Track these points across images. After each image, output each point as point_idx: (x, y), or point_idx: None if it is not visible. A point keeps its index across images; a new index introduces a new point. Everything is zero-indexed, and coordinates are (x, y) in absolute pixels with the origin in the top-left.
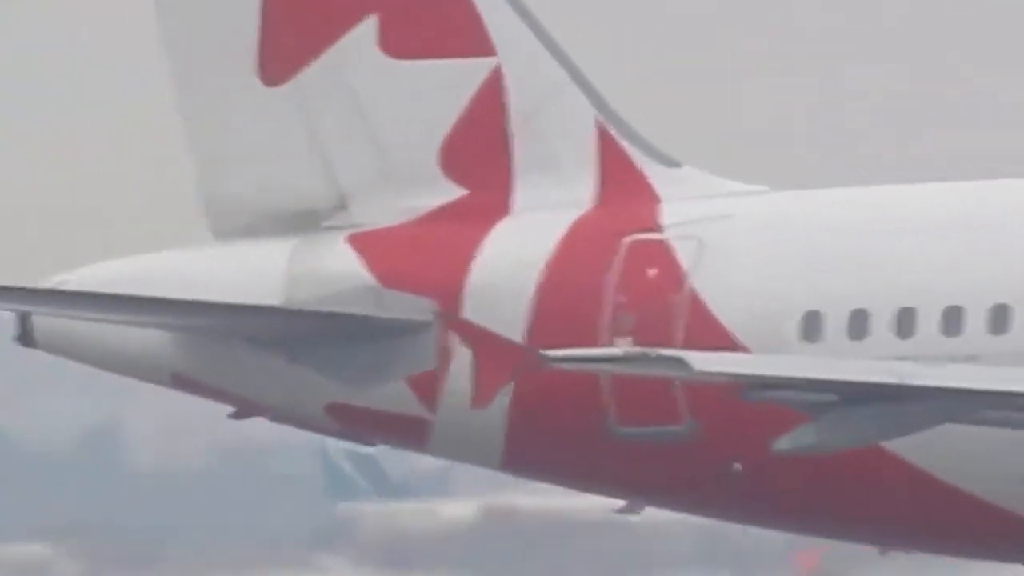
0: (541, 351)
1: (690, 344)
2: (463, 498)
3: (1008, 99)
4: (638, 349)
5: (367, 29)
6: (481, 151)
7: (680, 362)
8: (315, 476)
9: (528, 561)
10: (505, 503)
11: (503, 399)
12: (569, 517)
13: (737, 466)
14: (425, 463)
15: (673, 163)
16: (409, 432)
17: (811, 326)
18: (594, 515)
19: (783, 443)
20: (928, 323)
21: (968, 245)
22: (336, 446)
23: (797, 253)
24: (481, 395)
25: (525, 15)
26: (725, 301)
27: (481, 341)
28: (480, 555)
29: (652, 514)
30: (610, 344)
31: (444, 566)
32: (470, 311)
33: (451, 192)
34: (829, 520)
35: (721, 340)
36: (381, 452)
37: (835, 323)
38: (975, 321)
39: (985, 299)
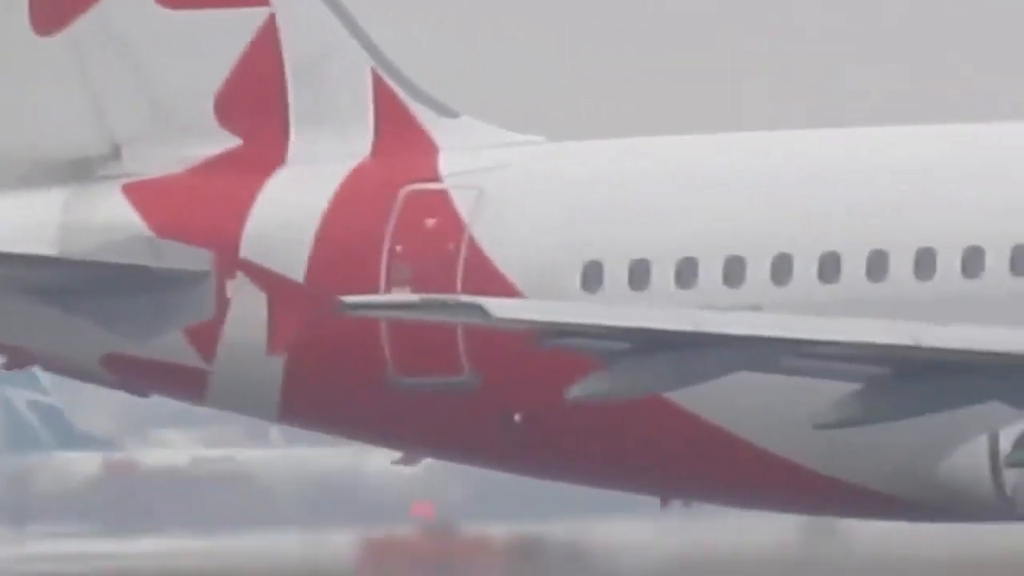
0: (337, 296)
1: (470, 294)
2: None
3: (1008, 99)
4: (435, 296)
5: None
6: (256, 101)
7: (478, 308)
8: None
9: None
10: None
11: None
12: None
13: (517, 416)
14: (111, 415)
15: (451, 113)
16: (186, 383)
17: (592, 276)
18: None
19: (576, 391)
20: (710, 273)
21: (749, 197)
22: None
23: (577, 203)
24: (276, 341)
25: None
26: (505, 251)
27: (276, 287)
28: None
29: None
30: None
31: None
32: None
33: (226, 142)
34: (610, 470)
35: (502, 290)
36: (67, 403)
37: (616, 273)
38: (757, 271)
39: (768, 249)
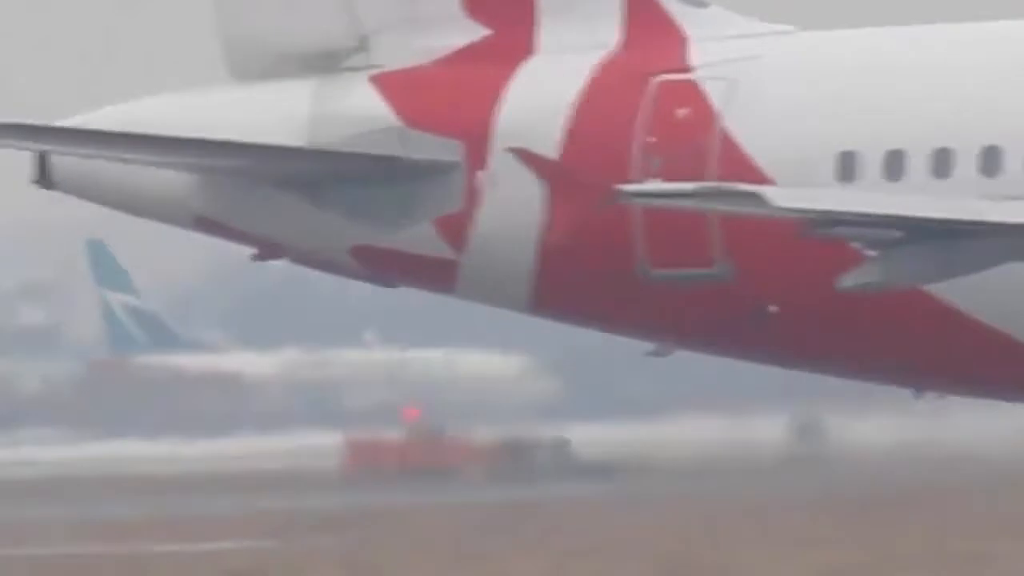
0: (616, 185)
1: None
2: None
3: None
4: (712, 184)
5: None
6: None
7: (756, 197)
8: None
9: None
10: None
11: (530, 242)
12: None
13: (773, 308)
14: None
15: (699, 3)
16: (436, 274)
17: (847, 166)
18: None
19: (847, 280)
20: (965, 163)
21: (1002, 83)
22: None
23: (829, 93)
24: (556, 230)
25: None
26: (758, 141)
27: (556, 176)
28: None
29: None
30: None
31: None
32: (497, 152)
33: (475, 32)
34: (860, 361)
35: (755, 181)
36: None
37: (871, 163)
38: (1014, 162)
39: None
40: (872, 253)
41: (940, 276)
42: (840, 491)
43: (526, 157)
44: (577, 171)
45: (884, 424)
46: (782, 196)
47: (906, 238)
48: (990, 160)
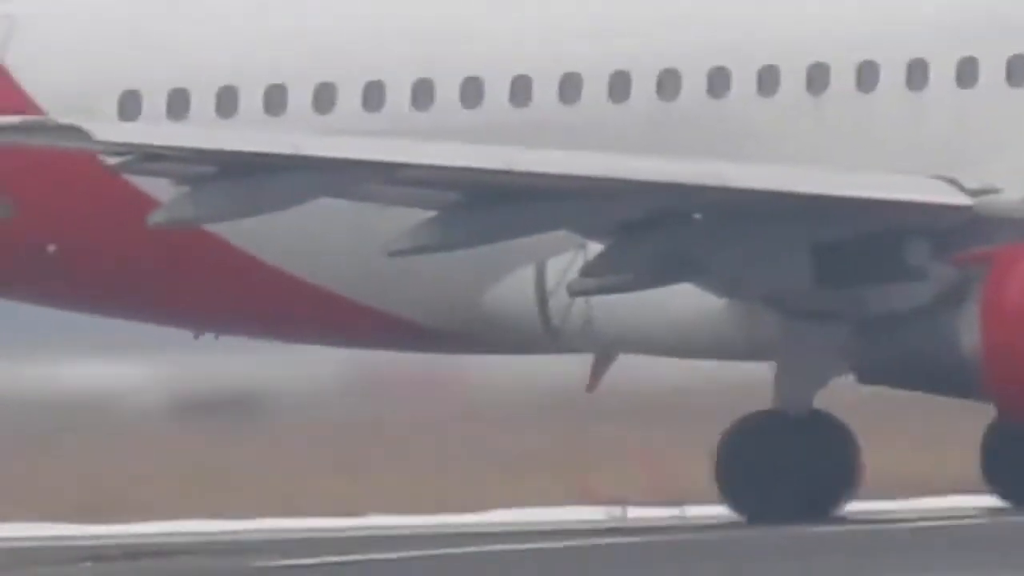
0: None
1: None
2: None
3: None
4: (35, 118)
5: None
6: None
7: (79, 131)
8: None
9: None
10: None
11: None
12: None
13: (52, 247)
14: None
15: None
16: None
17: (130, 105)
18: None
19: (158, 216)
20: (251, 100)
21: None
22: None
23: (114, 33)
24: None
25: None
26: (40, 79)
27: None
28: None
29: None
30: None
31: None
32: None
33: None
34: (151, 303)
35: None
36: None
37: (155, 102)
38: (346, 99)
39: (357, 76)
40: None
41: (251, 211)
42: None
43: None
44: None
45: None
46: (107, 131)
47: (219, 173)
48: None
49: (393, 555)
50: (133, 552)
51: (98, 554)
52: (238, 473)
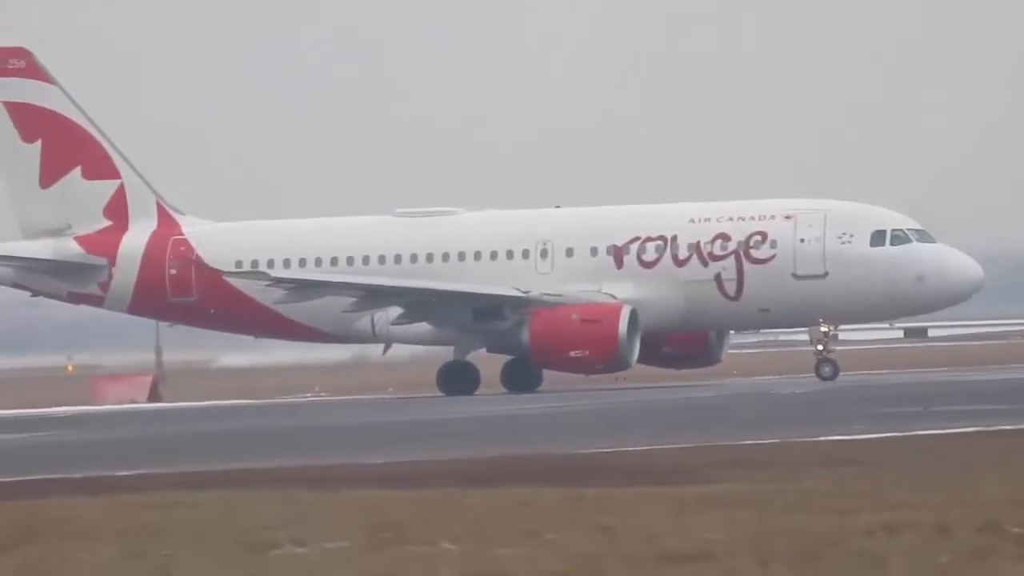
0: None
1: None
2: None
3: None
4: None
5: None
6: None
7: (266, 274)
8: None
9: None
10: None
11: None
12: None
13: (212, 310)
14: None
15: (179, 211)
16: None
17: (271, 265)
18: None
19: (275, 299)
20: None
21: None
22: None
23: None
24: None
25: None
26: (213, 255)
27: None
28: None
29: None
30: None
31: None
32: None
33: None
34: (243, 329)
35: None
36: None
37: (278, 263)
38: None
39: None
40: None
41: (301, 299)
42: None
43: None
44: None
45: None
46: (274, 273)
47: (295, 288)
48: None
49: None
50: None
51: None
52: None
